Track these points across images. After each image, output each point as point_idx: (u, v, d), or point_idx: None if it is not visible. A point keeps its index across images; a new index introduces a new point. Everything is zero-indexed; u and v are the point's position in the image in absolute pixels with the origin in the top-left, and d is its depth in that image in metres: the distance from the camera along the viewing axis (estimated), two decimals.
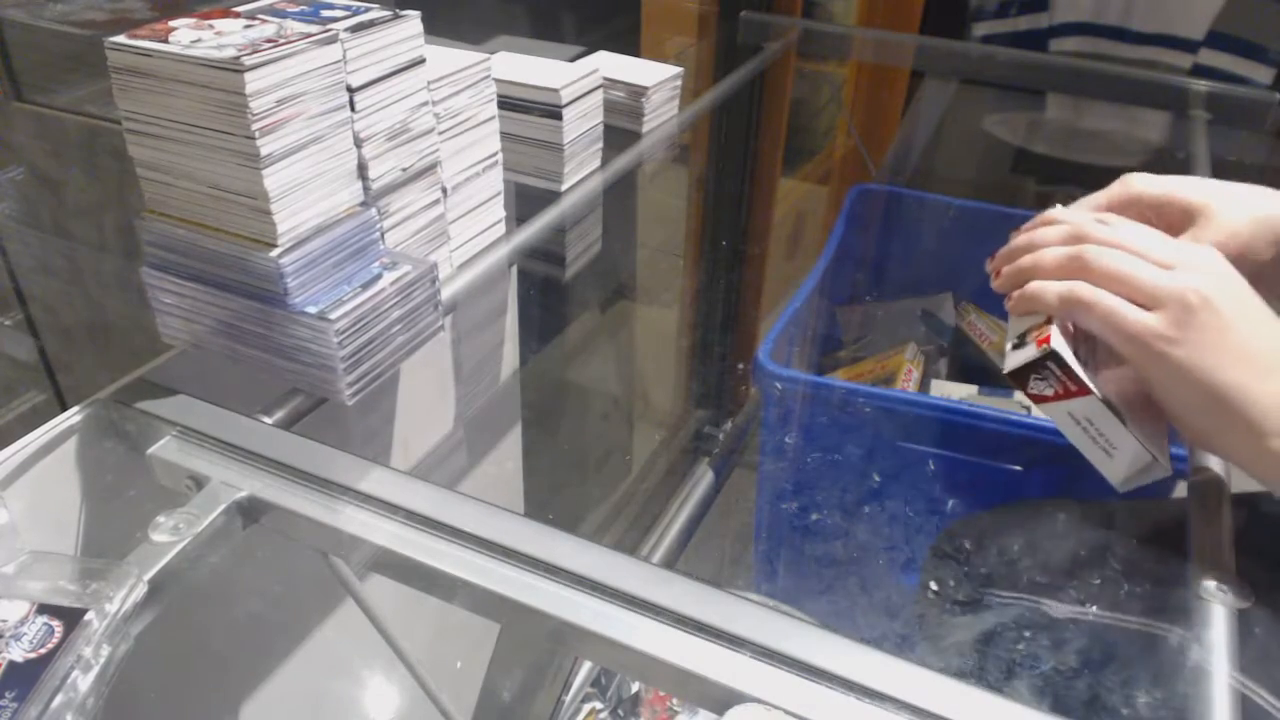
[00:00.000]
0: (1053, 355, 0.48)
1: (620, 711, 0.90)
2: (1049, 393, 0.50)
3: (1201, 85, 1.11)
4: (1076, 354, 0.49)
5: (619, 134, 0.89)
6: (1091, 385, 0.49)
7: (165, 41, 0.47)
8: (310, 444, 0.51)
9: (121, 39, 0.48)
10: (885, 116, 1.77)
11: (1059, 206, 0.56)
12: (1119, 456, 0.51)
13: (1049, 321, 0.50)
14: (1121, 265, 0.48)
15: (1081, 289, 0.49)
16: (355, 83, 0.52)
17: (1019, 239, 0.54)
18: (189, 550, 0.44)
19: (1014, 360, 0.51)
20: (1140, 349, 0.48)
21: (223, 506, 0.47)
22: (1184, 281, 0.47)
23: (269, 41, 0.47)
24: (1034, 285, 0.51)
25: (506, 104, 0.76)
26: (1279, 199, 0.55)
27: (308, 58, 0.48)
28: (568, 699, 0.86)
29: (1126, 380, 0.51)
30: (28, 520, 0.50)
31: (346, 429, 0.70)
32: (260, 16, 0.51)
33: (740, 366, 1.63)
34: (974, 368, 1.29)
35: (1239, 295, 0.48)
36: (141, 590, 0.42)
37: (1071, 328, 0.51)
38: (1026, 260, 0.52)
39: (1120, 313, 0.48)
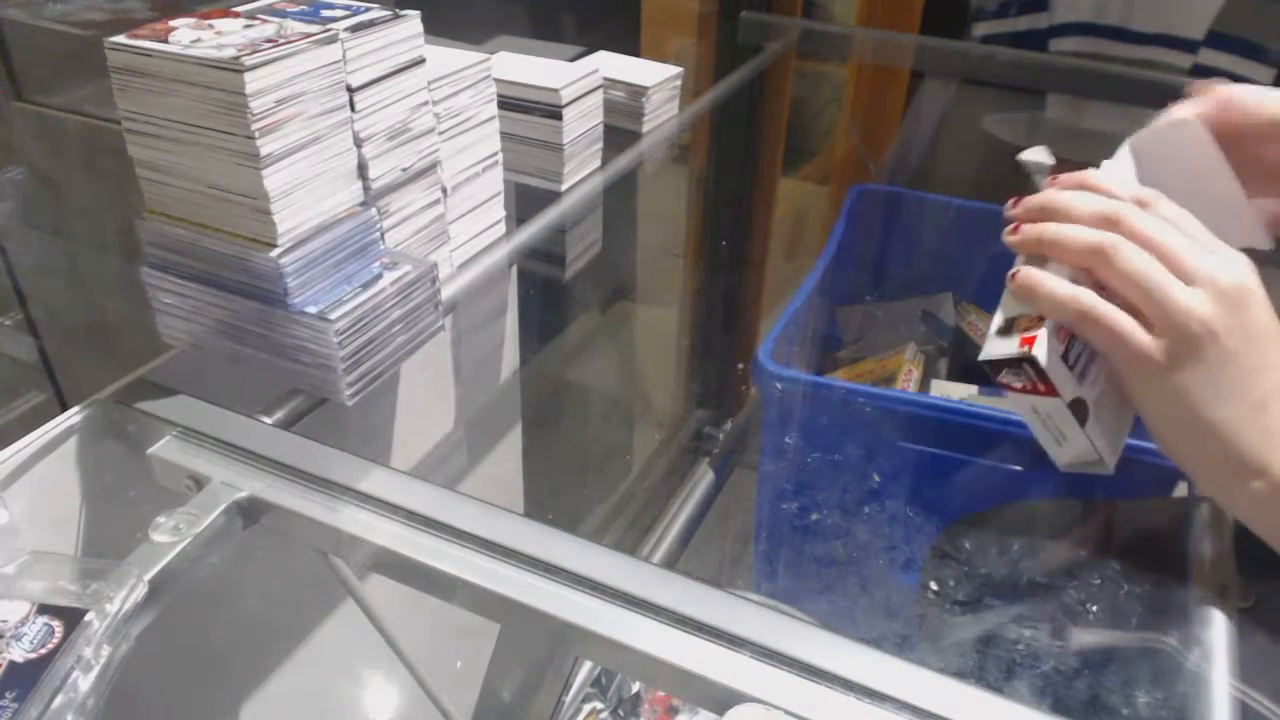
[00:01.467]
0: (1031, 360, 0.48)
1: (620, 711, 0.90)
2: (1017, 385, 0.50)
3: None
4: (1067, 351, 0.49)
5: (619, 134, 0.89)
6: (1061, 390, 0.49)
7: (165, 41, 0.47)
8: (310, 444, 0.51)
9: (121, 39, 0.48)
10: (885, 116, 1.76)
11: (1123, 147, 0.52)
12: (1068, 447, 0.51)
13: (1042, 319, 0.49)
14: (1142, 272, 0.46)
15: (1088, 304, 0.47)
16: (355, 83, 0.52)
17: (1050, 194, 0.50)
18: (189, 550, 0.44)
19: (992, 350, 0.50)
20: (1134, 372, 0.47)
21: (223, 506, 0.47)
22: (1195, 308, 0.45)
23: (269, 41, 0.47)
24: (1041, 283, 0.48)
25: (506, 104, 0.76)
26: None
27: (308, 58, 0.48)
28: (568, 699, 0.86)
29: (1115, 377, 0.51)
30: (28, 520, 0.50)
31: (346, 429, 0.70)
32: (260, 16, 0.51)
33: (740, 366, 1.63)
34: (974, 368, 1.29)
35: (1249, 326, 0.45)
36: (141, 590, 0.42)
37: None
38: (1050, 232, 0.49)
39: (1121, 336, 0.46)
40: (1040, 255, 0.50)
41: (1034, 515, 0.82)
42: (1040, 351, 0.48)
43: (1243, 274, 0.46)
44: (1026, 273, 0.49)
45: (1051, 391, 0.49)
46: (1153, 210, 0.48)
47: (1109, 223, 0.47)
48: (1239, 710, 0.43)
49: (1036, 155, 0.55)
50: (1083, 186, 0.50)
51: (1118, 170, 0.53)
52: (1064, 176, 0.52)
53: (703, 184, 1.43)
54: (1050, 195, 0.50)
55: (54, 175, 1.00)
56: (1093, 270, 0.48)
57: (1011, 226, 0.52)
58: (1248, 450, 0.45)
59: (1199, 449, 0.47)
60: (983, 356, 0.50)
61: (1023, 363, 0.48)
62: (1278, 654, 0.50)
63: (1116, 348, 0.47)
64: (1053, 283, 0.48)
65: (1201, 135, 0.53)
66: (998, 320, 0.51)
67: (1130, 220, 0.47)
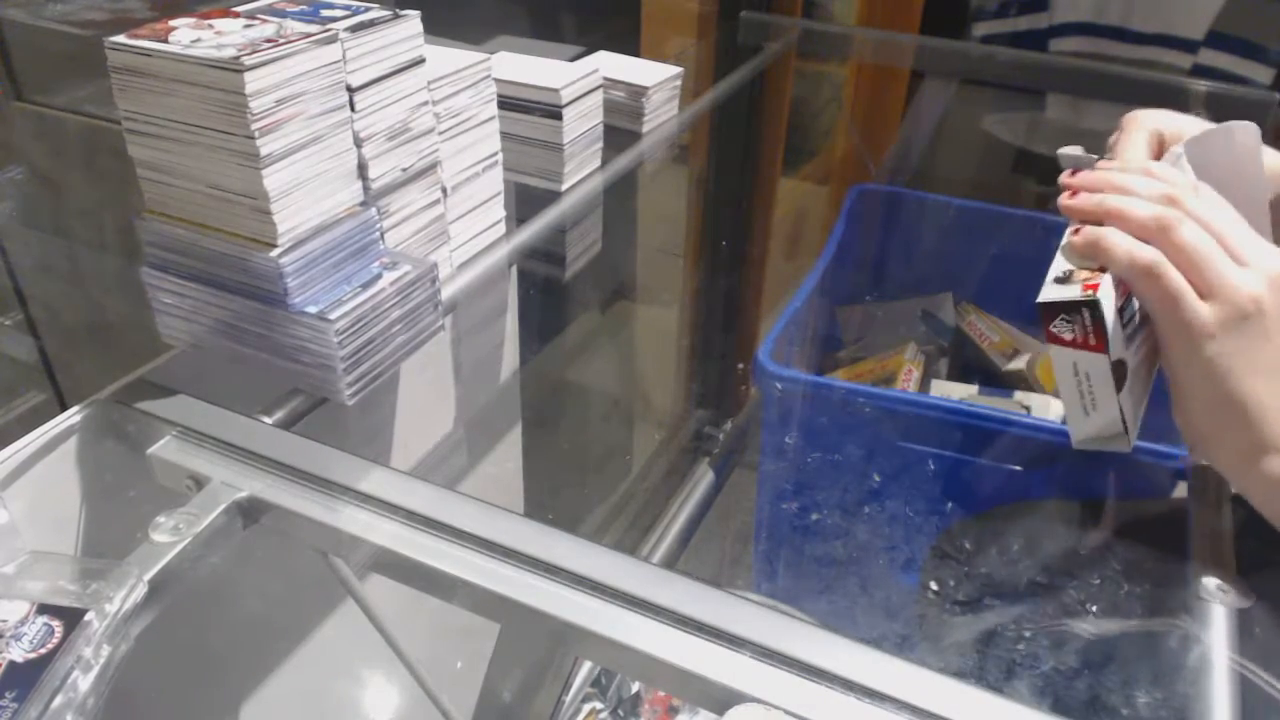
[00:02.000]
0: (1093, 305, 0.48)
1: (620, 711, 0.90)
2: (1067, 336, 0.50)
3: (1201, 85, 1.11)
4: (1121, 310, 0.49)
5: (619, 134, 0.89)
6: (1111, 346, 0.49)
7: (165, 41, 0.47)
8: (310, 444, 0.51)
9: (121, 39, 0.48)
10: (885, 116, 1.76)
11: (1173, 151, 0.54)
12: (1095, 418, 0.51)
13: (1103, 270, 0.49)
14: (1201, 247, 0.48)
15: (1158, 260, 0.48)
16: (355, 82, 0.52)
17: (1110, 173, 0.52)
18: (189, 550, 0.44)
19: (1052, 293, 0.50)
20: (1181, 337, 0.48)
21: (223, 506, 0.47)
22: (1248, 284, 0.47)
23: (269, 41, 0.47)
24: (1111, 235, 0.49)
25: (506, 104, 0.76)
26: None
27: (308, 57, 0.48)
28: (568, 699, 0.86)
29: (1146, 351, 0.52)
30: (28, 520, 0.50)
31: (346, 429, 0.70)
32: (260, 16, 0.51)
33: (740, 366, 1.63)
34: (974, 368, 1.29)
35: None
36: (141, 590, 0.42)
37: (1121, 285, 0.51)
38: (1113, 201, 0.50)
39: (1178, 297, 0.47)
40: (1095, 223, 0.51)
41: (1034, 515, 0.82)
42: (1104, 296, 0.48)
43: None
44: (1092, 228, 0.51)
45: (1101, 346, 0.49)
46: (1205, 200, 0.50)
47: (1170, 201, 0.49)
48: (1240, 711, 0.43)
49: (1075, 150, 0.57)
50: (1146, 173, 0.52)
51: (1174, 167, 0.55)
52: (1124, 164, 0.53)
53: (703, 184, 1.43)
54: (1114, 173, 0.52)
55: (54, 175, 1.01)
56: (1150, 241, 0.49)
57: (1069, 193, 0.53)
58: (1270, 429, 0.47)
59: (1224, 422, 0.48)
60: (1041, 298, 0.50)
61: (1082, 308, 0.48)
62: (1278, 652, 0.50)
63: (1170, 309, 0.48)
64: (1123, 236, 0.49)
65: (1255, 143, 0.54)
66: (1056, 270, 0.51)
67: (1189, 202, 0.49)
